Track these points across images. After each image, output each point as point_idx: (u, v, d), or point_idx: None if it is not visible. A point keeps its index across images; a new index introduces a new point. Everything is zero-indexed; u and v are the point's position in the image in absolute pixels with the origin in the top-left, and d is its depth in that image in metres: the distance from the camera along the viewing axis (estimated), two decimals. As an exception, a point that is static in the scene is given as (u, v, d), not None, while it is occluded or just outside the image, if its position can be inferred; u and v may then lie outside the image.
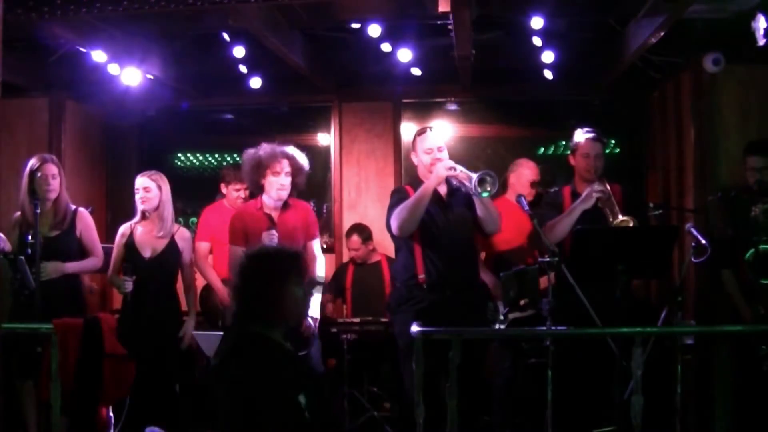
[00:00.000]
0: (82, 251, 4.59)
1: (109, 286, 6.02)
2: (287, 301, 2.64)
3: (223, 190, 5.65)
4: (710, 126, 5.00)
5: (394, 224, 4.09)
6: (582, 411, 4.18)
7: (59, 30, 4.63)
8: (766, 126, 4.88)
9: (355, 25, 5.18)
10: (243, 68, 5.48)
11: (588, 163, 4.48)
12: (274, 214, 4.52)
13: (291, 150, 4.55)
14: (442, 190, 4.21)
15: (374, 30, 4.92)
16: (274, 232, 4.37)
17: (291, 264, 2.69)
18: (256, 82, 5.67)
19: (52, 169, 4.44)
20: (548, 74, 5.47)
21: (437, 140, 4.23)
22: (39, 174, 4.41)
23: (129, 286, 4.50)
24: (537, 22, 4.78)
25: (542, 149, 6.90)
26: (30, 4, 4.08)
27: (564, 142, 6.88)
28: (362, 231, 5.78)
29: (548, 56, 5.28)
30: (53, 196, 4.43)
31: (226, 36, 5.00)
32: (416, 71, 5.65)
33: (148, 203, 4.58)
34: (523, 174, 5.29)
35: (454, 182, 4.14)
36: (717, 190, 4.78)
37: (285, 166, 4.46)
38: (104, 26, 4.98)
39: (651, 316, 4.34)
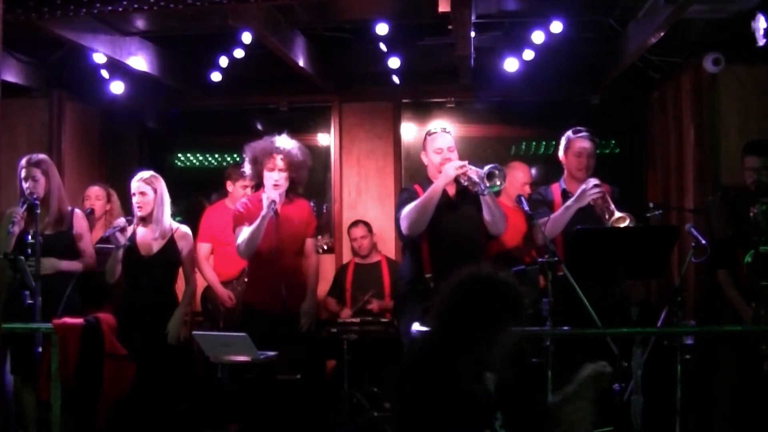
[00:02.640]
0: (75, 252, 4.59)
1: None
2: (492, 349, 2.28)
3: (229, 188, 5.65)
4: (710, 126, 5.00)
5: (404, 224, 4.14)
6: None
7: (59, 30, 4.63)
8: (766, 126, 4.89)
9: (355, 25, 5.20)
10: (223, 61, 5.45)
11: (580, 162, 4.48)
12: (277, 207, 4.54)
13: (288, 144, 4.54)
14: (451, 190, 4.24)
15: (375, 30, 4.93)
16: (275, 197, 4.38)
17: (515, 308, 2.31)
18: (216, 76, 5.66)
19: (32, 171, 4.43)
20: (513, 64, 5.40)
21: (447, 141, 4.27)
22: (23, 175, 4.42)
23: (121, 239, 4.47)
24: (559, 26, 4.79)
25: (542, 149, 6.91)
26: (30, 4, 4.08)
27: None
28: (366, 223, 5.80)
29: (529, 54, 5.26)
30: (36, 196, 4.41)
31: (248, 36, 4.96)
32: (395, 76, 5.66)
33: (144, 207, 4.56)
34: (516, 176, 5.30)
35: (464, 182, 4.16)
36: (717, 190, 4.79)
37: (278, 162, 4.45)
38: (104, 26, 4.99)
39: (651, 316, 4.34)
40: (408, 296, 4.22)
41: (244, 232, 4.42)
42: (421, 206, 4.08)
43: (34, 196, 4.33)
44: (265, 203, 4.34)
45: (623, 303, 3.74)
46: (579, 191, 4.31)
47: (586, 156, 4.47)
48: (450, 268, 4.09)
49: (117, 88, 5.62)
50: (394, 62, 5.41)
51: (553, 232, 4.28)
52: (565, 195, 4.47)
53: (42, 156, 4.58)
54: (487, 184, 3.97)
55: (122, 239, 4.48)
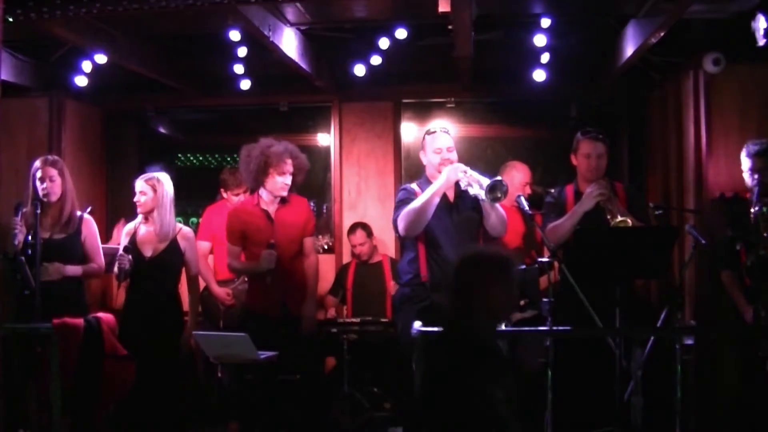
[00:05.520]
0: (83, 256, 4.59)
1: (109, 286, 6.04)
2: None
3: (224, 194, 5.66)
4: (710, 126, 5.00)
5: (401, 225, 4.13)
6: (582, 411, 4.18)
7: (59, 30, 4.63)
8: (766, 126, 4.88)
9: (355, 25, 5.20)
10: (239, 68, 5.47)
11: (589, 164, 4.46)
12: (271, 210, 4.57)
13: (294, 148, 4.63)
14: (450, 192, 4.23)
15: (375, 32, 4.94)
16: (273, 252, 4.40)
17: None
18: (245, 84, 5.66)
19: (49, 171, 4.43)
20: (541, 75, 5.43)
21: (447, 141, 4.25)
22: (38, 175, 4.42)
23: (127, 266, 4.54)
24: (547, 22, 4.78)
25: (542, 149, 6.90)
26: (30, 4, 4.08)
27: (564, 142, 6.87)
28: (365, 226, 5.79)
29: (545, 57, 5.27)
30: (53, 198, 4.42)
31: (237, 34, 4.99)
32: (361, 65, 5.60)
33: (143, 207, 4.59)
34: (515, 176, 5.28)
35: (463, 186, 4.15)
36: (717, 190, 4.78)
37: (290, 166, 4.52)
38: (104, 26, 4.99)
39: (651, 316, 4.34)
40: (404, 296, 4.23)
41: (235, 259, 4.61)
42: (420, 208, 4.07)
43: (50, 197, 4.35)
44: (265, 256, 4.42)
45: (637, 303, 3.74)
46: (584, 195, 4.30)
47: (594, 157, 4.44)
48: (446, 269, 4.15)
49: (81, 81, 5.62)
50: (375, 59, 5.41)
51: (562, 236, 4.27)
52: (578, 196, 4.45)
53: (57, 157, 4.61)
54: (489, 197, 3.95)
55: (127, 264, 4.53)
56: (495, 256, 2.86)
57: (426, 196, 4.08)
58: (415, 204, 4.09)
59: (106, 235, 5.94)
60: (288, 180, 4.52)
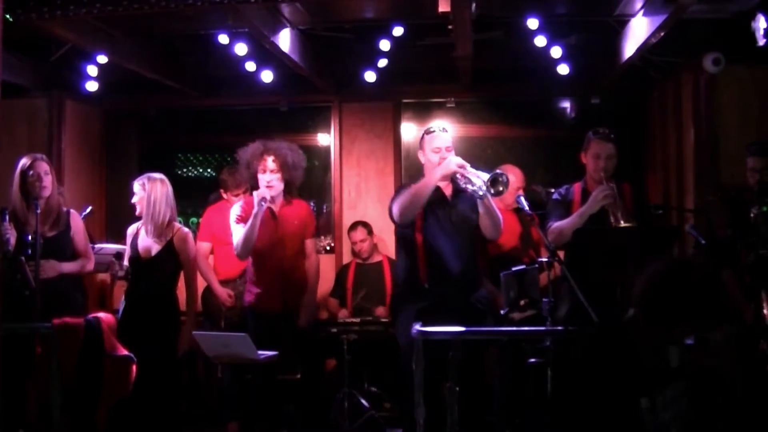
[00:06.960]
0: (74, 252, 4.58)
1: (108, 286, 6.04)
2: None
3: (224, 195, 5.66)
4: (710, 126, 5.00)
5: (396, 208, 4.10)
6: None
7: (59, 30, 4.64)
8: (766, 126, 4.89)
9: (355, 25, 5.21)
10: (251, 66, 5.47)
11: (598, 164, 4.42)
12: (275, 208, 4.56)
13: (279, 145, 4.55)
14: (447, 190, 4.21)
15: (375, 32, 4.95)
16: (265, 191, 4.39)
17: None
18: (267, 76, 5.66)
19: (44, 166, 4.42)
20: (564, 69, 5.42)
21: (446, 140, 4.24)
22: (31, 172, 4.38)
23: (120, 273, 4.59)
24: (535, 23, 4.79)
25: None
26: (30, 4, 4.08)
27: (564, 142, 6.87)
28: (366, 224, 5.80)
29: (556, 51, 5.27)
30: (46, 193, 4.40)
31: (225, 38, 5.02)
32: (372, 72, 5.69)
33: (137, 209, 4.61)
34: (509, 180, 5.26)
35: (461, 182, 4.12)
36: (717, 190, 4.79)
37: (270, 163, 4.46)
38: (104, 26, 4.99)
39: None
40: (403, 296, 4.22)
41: (239, 233, 4.44)
42: (415, 192, 4.04)
43: (43, 194, 4.34)
44: (255, 200, 4.35)
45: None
46: (591, 197, 4.28)
47: (604, 158, 4.40)
48: (444, 269, 4.15)
49: (92, 86, 5.64)
50: (383, 62, 5.43)
51: (565, 236, 4.25)
52: (585, 195, 4.41)
53: (43, 155, 4.60)
54: (491, 191, 3.91)
55: (120, 271, 4.57)
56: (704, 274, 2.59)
57: (423, 181, 4.06)
58: (411, 188, 4.08)
59: (106, 236, 5.95)
60: (270, 177, 4.45)
